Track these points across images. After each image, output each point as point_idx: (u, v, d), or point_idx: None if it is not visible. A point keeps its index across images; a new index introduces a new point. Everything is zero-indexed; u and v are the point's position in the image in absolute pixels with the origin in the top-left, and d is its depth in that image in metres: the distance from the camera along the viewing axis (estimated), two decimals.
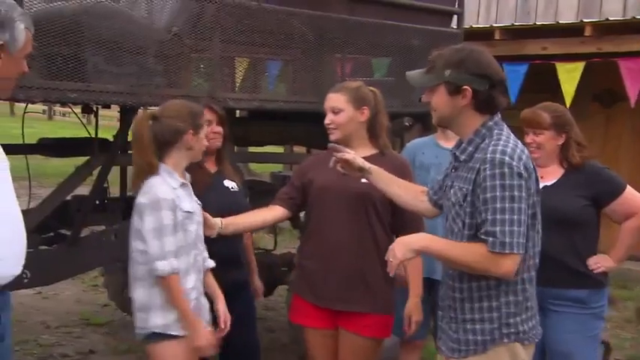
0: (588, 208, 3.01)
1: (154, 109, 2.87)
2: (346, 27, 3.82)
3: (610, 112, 7.74)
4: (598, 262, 3.00)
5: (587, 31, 6.69)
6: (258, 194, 3.38)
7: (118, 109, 3.86)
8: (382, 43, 4.03)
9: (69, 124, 15.81)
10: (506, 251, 2.11)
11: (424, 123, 4.22)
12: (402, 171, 2.82)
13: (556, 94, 6.45)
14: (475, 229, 2.19)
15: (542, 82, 6.69)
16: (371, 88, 2.91)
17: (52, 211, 3.38)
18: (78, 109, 4.19)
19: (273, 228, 5.38)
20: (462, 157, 2.28)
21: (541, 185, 2.97)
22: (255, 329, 3.28)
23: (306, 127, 4.08)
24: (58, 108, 22.62)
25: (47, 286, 4.59)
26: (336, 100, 2.82)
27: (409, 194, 2.60)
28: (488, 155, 2.17)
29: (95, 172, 3.50)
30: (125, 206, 4.14)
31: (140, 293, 2.68)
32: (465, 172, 2.26)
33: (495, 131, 2.26)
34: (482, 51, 2.30)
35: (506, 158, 2.15)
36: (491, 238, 2.12)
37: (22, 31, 2.05)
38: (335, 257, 2.78)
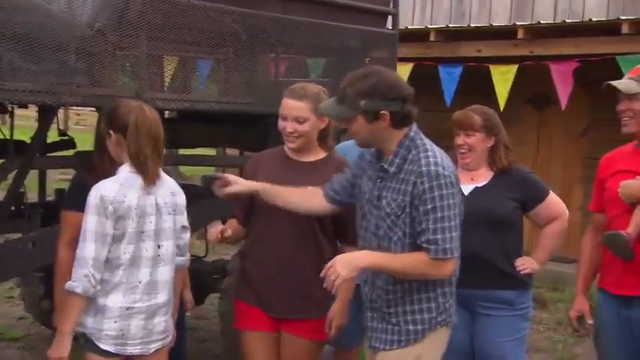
0: (517, 210, 3.13)
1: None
2: (280, 26, 3.79)
3: (542, 115, 7.99)
4: (524, 264, 3.11)
5: (520, 34, 6.89)
6: (188, 198, 3.30)
7: (36, 109, 3.72)
8: (317, 43, 4.02)
9: None
10: (448, 256, 2.38)
11: None
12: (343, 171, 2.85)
13: (490, 96, 6.62)
14: (414, 237, 2.41)
15: (476, 85, 6.85)
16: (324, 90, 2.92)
17: None
18: None
19: (203, 234, 5.30)
20: (392, 170, 2.45)
21: (472, 187, 3.09)
22: (184, 346, 3.23)
23: (240, 128, 4.04)
24: None
25: None
26: (300, 109, 2.79)
27: (299, 197, 2.73)
28: (423, 168, 2.38)
29: (11, 177, 3.35)
30: (44, 212, 3.99)
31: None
32: (395, 183, 2.45)
33: (418, 141, 2.46)
34: (388, 72, 2.52)
35: (440, 169, 2.38)
36: (433, 246, 2.36)
37: None
38: (279, 266, 2.81)
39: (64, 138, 4.59)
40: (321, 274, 2.35)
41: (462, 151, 3.10)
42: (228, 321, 3.62)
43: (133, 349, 2.63)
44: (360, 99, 2.39)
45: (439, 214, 2.36)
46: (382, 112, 2.39)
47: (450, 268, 2.42)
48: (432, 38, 7.43)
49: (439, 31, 7.47)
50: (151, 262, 2.64)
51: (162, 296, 2.69)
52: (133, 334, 2.61)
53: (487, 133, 3.09)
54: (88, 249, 2.52)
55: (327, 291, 2.79)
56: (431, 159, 2.40)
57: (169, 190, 2.71)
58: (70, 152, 4.33)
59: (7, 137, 3.67)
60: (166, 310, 2.72)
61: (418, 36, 7.45)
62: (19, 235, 3.61)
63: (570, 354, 5.27)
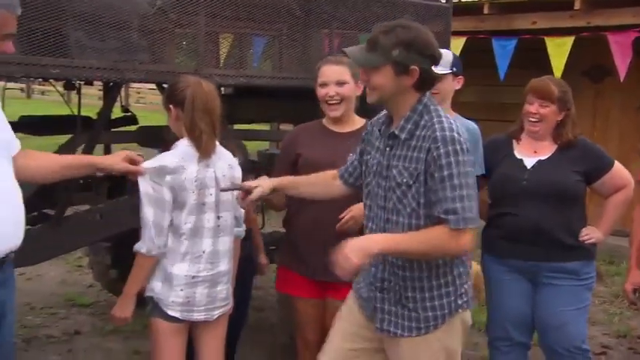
0: (581, 184, 3.09)
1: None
2: (333, 1, 3.79)
3: (599, 88, 7.77)
4: (589, 234, 3.09)
5: (577, 5, 6.67)
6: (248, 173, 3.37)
7: (100, 87, 3.82)
8: (370, 18, 4.00)
9: (48, 103, 15.65)
10: (469, 226, 2.17)
11: None
12: None
13: (545, 69, 6.45)
14: (429, 208, 2.23)
15: (530, 58, 6.69)
16: None
17: (35, 190, 3.36)
18: (60, 87, 4.16)
19: (260, 206, 5.39)
20: (403, 136, 2.28)
21: (535, 159, 3.05)
22: (247, 305, 3.32)
23: (294, 103, 4.07)
24: (36, 87, 22.34)
25: (31, 267, 4.57)
26: (341, 72, 2.83)
27: (319, 186, 2.65)
28: (438, 133, 2.20)
29: (79, 151, 3.47)
30: (110, 185, 4.13)
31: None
32: (406, 150, 2.27)
33: (431, 107, 2.30)
34: (425, 29, 2.33)
35: (455, 135, 2.20)
36: (452, 216, 2.16)
37: None
38: (321, 231, 2.83)
39: (127, 114, 4.72)
40: (332, 260, 2.19)
41: (533, 119, 3.07)
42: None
43: (198, 316, 2.72)
44: (394, 48, 2.20)
45: (457, 181, 2.16)
46: (413, 66, 2.22)
47: (470, 239, 2.21)
48: (485, 11, 7.26)
49: (493, 4, 7.30)
50: (213, 233, 2.71)
51: (224, 265, 2.77)
52: (198, 301, 2.70)
53: (560, 107, 3.06)
54: (148, 212, 2.62)
55: None
56: (445, 124, 2.22)
57: (227, 162, 2.77)
58: (133, 128, 4.45)
59: (75, 113, 3.78)
60: (227, 278, 2.80)
61: (471, 9, 7.30)
62: (88, 207, 3.72)
63: (627, 327, 5.18)
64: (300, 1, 3.67)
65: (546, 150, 3.11)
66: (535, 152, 3.12)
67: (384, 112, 2.44)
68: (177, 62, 3.69)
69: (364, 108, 3.00)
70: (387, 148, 2.33)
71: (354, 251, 2.13)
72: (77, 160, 2.62)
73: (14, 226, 2.16)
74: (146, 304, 2.75)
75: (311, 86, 3.84)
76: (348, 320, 2.53)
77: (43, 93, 22.17)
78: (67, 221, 3.39)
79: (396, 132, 2.29)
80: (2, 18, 2.04)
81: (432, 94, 3.26)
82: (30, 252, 3.19)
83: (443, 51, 3.41)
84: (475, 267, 5.05)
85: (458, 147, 2.18)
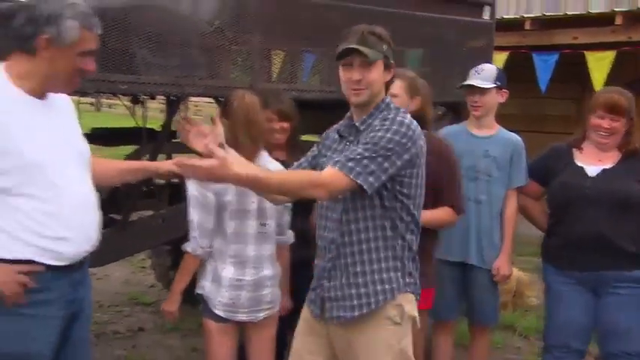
0: None
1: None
2: (381, 18, 3.78)
3: None
4: None
5: (618, 20, 6.52)
6: None
7: (162, 100, 3.89)
8: (417, 35, 3.98)
9: (115, 115, 16.01)
10: (350, 175, 2.09)
11: (456, 112, 4.18)
12: (442, 151, 2.86)
13: (586, 83, 6.32)
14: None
15: (571, 72, 6.56)
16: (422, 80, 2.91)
17: (104, 196, 3.44)
18: (126, 100, 4.25)
19: None
20: (362, 127, 2.25)
21: (599, 168, 2.94)
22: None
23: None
24: (104, 100, 22.88)
25: (99, 268, 4.67)
26: (394, 86, 2.79)
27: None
28: (390, 116, 2.20)
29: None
30: (171, 192, 4.19)
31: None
32: (357, 138, 2.25)
33: (392, 105, 2.28)
34: None
35: (406, 120, 2.19)
36: (342, 159, 2.13)
37: (71, 28, 2.05)
38: None
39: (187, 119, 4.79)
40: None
41: (604, 133, 2.96)
42: None
43: (242, 317, 2.75)
44: (383, 43, 2.21)
45: (375, 147, 2.11)
46: (392, 62, 2.24)
47: (336, 187, 2.11)
48: (527, 27, 7.17)
49: (535, 20, 7.20)
50: (256, 239, 2.74)
51: (268, 270, 2.78)
52: (242, 303, 2.73)
53: (628, 118, 2.96)
54: (193, 214, 2.69)
55: (423, 261, 2.84)
56: (401, 114, 2.22)
57: None
58: None
59: (141, 126, 3.86)
60: (272, 282, 2.81)
61: (513, 25, 7.20)
62: (151, 212, 3.79)
63: None
64: (350, 20, 3.67)
65: (611, 159, 3.00)
66: (600, 161, 3.01)
67: (341, 121, 2.42)
68: (232, 77, 3.74)
69: None
70: (346, 143, 2.31)
71: (220, 167, 1.98)
72: (131, 164, 2.69)
73: (94, 230, 2.23)
74: (199, 303, 2.80)
75: None
76: (304, 333, 2.46)
77: (110, 106, 22.68)
78: (132, 226, 3.46)
79: (357, 124, 2.28)
80: (82, 36, 2.09)
81: (475, 107, 3.27)
82: (99, 254, 3.28)
83: (487, 65, 3.40)
84: (515, 273, 4.96)
85: (400, 128, 2.15)
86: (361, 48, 2.17)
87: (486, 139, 3.31)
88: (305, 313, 2.46)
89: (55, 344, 2.16)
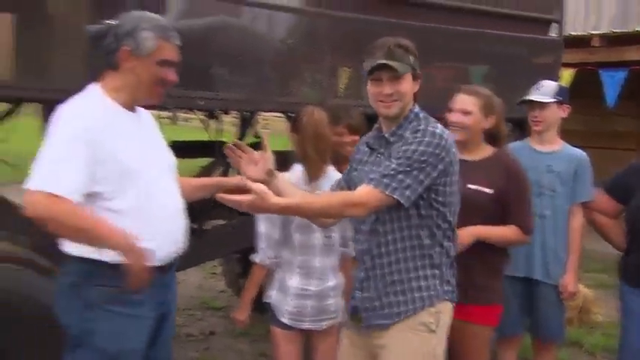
0: None
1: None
2: (449, 37, 3.75)
3: None
4: None
5: None
6: None
7: (233, 115, 3.96)
8: (486, 52, 3.93)
9: (191, 129, 16.40)
10: (387, 192, 2.07)
11: (522, 128, 4.08)
12: (513, 171, 2.79)
13: None
14: None
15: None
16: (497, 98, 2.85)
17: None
18: (201, 114, 4.34)
19: None
20: (392, 139, 2.22)
21: None
22: None
23: None
24: (180, 114, 23.50)
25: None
26: (467, 102, 2.77)
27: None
28: (421, 127, 2.15)
29: (216, 173, 3.61)
30: None
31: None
32: (389, 151, 2.22)
33: (421, 114, 2.23)
34: None
35: (438, 130, 2.15)
36: (377, 177, 2.10)
37: (147, 39, 2.13)
38: (460, 256, 2.71)
39: (258, 140, 4.87)
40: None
41: None
42: None
43: (307, 325, 2.76)
44: (410, 55, 2.17)
45: (408, 161, 2.08)
46: (419, 72, 2.20)
47: (369, 206, 2.08)
48: (594, 44, 6.96)
49: (602, 37, 6.99)
50: (322, 250, 2.74)
51: (332, 281, 2.78)
52: (307, 312, 2.74)
53: None
54: (261, 226, 2.73)
55: (489, 278, 2.78)
56: (432, 124, 2.17)
57: None
58: None
59: (215, 139, 3.94)
60: (336, 292, 2.81)
61: (581, 42, 7.01)
62: (222, 222, 3.84)
63: None
64: (416, 39, 3.65)
65: None
66: None
67: (369, 133, 2.38)
68: (303, 94, 3.78)
69: None
70: (377, 155, 2.27)
71: (257, 206, 2.03)
72: (205, 181, 2.72)
73: (183, 236, 2.30)
74: (268, 310, 2.83)
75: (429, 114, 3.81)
76: (345, 344, 2.43)
77: (186, 120, 23.28)
78: (207, 234, 3.53)
79: (386, 135, 2.24)
80: (159, 46, 2.16)
81: (535, 122, 3.19)
82: (180, 259, 3.37)
83: (546, 82, 3.33)
84: (582, 290, 4.78)
85: (432, 139, 2.11)
86: (390, 62, 2.14)
87: (549, 155, 3.24)
88: (345, 324, 2.46)
89: (146, 343, 2.23)
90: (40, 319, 2.41)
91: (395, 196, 2.08)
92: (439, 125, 2.20)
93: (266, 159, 2.36)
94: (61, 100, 2.81)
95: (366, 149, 2.36)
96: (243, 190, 2.43)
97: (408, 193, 2.09)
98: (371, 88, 2.22)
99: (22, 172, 3.75)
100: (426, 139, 2.12)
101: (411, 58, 2.18)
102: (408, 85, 2.19)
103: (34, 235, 2.80)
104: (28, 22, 2.56)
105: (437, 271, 2.23)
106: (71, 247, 2.13)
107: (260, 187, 2.03)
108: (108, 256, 2.08)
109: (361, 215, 2.17)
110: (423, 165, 2.10)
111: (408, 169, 2.09)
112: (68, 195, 1.98)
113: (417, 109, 2.25)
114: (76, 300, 2.12)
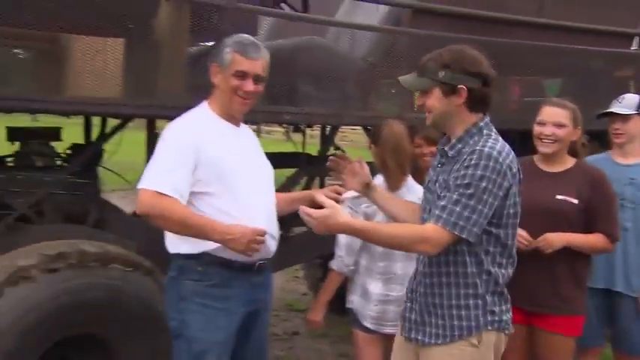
0: None
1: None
2: (525, 51, 3.65)
3: None
4: None
5: None
6: None
7: (316, 127, 3.99)
8: (560, 65, 3.80)
9: (273, 140, 16.69)
10: (452, 230, 1.95)
11: (601, 140, 3.91)
12: (597, 181, 2.71)
13: None
14: None
15: None
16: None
17: None
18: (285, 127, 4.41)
19: None
20: (450, 153, 2.08)
21: None
22: None
23: None
24: (264, 127, 24.01)
25: None
26: (561, 115, 2.68)
27: (407, 212, 2.32)
28: (477, 147, 1.98)
29: (301, 183, 3.64)
30: None
31: None
32: (452, 166, 2.06)
33: (485, 131, 2.06)
34: (472, 49, 2.10)
35: (494, 152, 1.96)
36: (444, 215, 1.96)
37: (226, 52, 2.23)
38: (531, 265, 2.64)
39: (338, 151, 4.89)
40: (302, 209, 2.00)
41: None
42: None
43: (389, 330, 2.71)
44: (440, 70, 2.03)
45: (469, 191, 1.93)
46: (460, 86, 2.02)
47: (439, 243, 1.96)
48: None
49: None
50: (404, 256, 2.69)
51: None
52: (389, 317, 2.70)
53: None
54: (341, 236, 2.71)
55: (574, 288, 2.68)
56: (489, 143, 1.99)
57: (416, 196, 2.69)
58: None
59: (299, 151, 3.99)
60: None
61: None
62: (305, 229, 3.89)
63: None
64: (496, 53, 3.57)
65: None
66: None
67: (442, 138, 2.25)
68: (381, 108, 3.77)
69: None
70: (439, 166, 2.15)
71: (331, 219, 1.96)
72: (298, 195, 2.74)
73: (275, 239, 2.35)
74: (349, 313, 2.82)
75: (503, 127, 3.70)
76: (395, 348, 2.32)
77: (268, 132, 23.72)
78: (291, 240, 3.56)
79: (446, 149, 2.10)
80: (233, 58, 2.23)
81: (617, 135, 3.05)
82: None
83: (628, 94, 3.21)
84: None
85: (491, 164, 1.94)
86: (408, 82, 2.13)
87: (632, 167, 3.10)
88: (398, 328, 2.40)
89: (234, 336, 2.29)
90: (142, 314, 2.50)
91: (464, 236, 1.97)
92: (499, 144, 2.03)
93: (365, 170, 2.34)
94: (164, 116, 2.95)
95: (438, 155, 2.26)
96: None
97: (475, 230, 1.97)
98: None
99: (127, 180, 3.93)
100: (482, 162, 1.96)
101: (442, 73, 2.04)
102: (435, 99, 2.07)
103: (140, 239, 2.94)
104: (137, 47, 2.68)
105: (480, 302, 2.07)
106: (170, 245, 2.24)
107: (331, 203, 2.01)
108: (201, 250, 2.17)
109: (430, 253, 2.05)
110: (484, 195, 1.96)
111: (471, 201, 1.95)
112: (171, 193, 2.09)
113: (482, 123, 2.09)
114: (174, 293, 2.22)
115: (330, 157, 2.45)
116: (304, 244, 3.61)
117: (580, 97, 3.85)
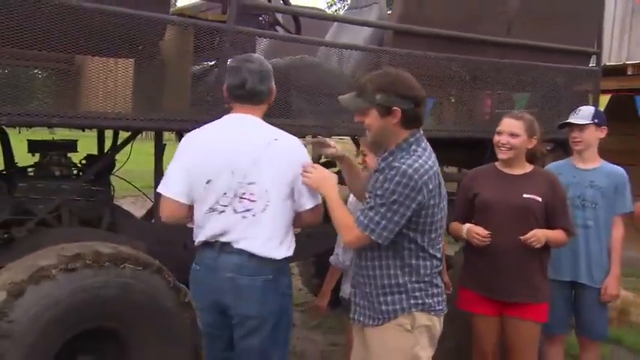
0: None
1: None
2: (498, 68, 3.68)
3: None
4: None
5: None
6: None
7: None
8: (527, 81, 3.83)
9: None
10: (364, 232, 2.09)
11: (564, 148, 3.94)
12: (553, 183, 2.76)
13: None
14: None
15: None
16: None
17: None
18: None
19: None
20: (382, 165, 2.16)
21: None
22: None
23: (459, 150, 3.99)
24: None
25: None
26: (516, 126, 2.75)
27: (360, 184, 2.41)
28: (396, 164, 2.08)
29: None
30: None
31: None
32: (378, 175, 2.15)
33: (413, 146, 2.13)
34: (406, 74, 2.15)
35: (410, 170, 2.05)
36: (360, 217, 2.10)
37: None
38: (503, 258, 2.70)
39: (328, 160, 4.88)
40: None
41: None
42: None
43: None
44: (377, 93, 2.08)
45: (381, 201, 2.05)
46: (394, 108, 2.07)
47: (353, 240, 2.13)
48: (629, 72, 6.67)
49: (636, 66, 6.69)
50: None
51: None
52: None
53: None
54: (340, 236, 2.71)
55: (541, 278, 2.72)
56: (410, 160, 2.07)
57: None
58: (334, 170, 4.58)
59: None
60: None
61: (615, 71, 6.73)
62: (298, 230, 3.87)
63: None
64: (470, 69, 3.61)
65: None
66: None
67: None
68: None
69: None
70: (375, 172, 2.21)
71: (323, 177, 2.19)
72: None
73: None
74: (340, 305, 2.83)
75: (475, 136, 3.73)
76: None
77: None
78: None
79: (380, 162, 2.19)
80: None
81: (575, 143, 3.09)
82: None
83: (584, 107, 3.28)
84: (622, 293, 4.54)
85: (404, 180, 2.04)
86: (348, 102, 2.18)
87: (591, 172, 3.14)
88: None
89: None
90: (152, 309, 2.49)
91: (373, 237, 2.09)
92: (420, 160, 2.09)
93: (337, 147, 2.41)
94: (170, 128, 2.94)
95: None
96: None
97: (385, 234, 2.08)
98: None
99: (137, 187, 3.92)
100: (396, 178, 2.05)
101: (379, 96, 2.09)
102: (373, 119, 2.12)
103: (148, 240, 2.94)
104: (145, 67, 2.68)
105: (402, 289, 2.15)
106: (273, 251, 2.22)
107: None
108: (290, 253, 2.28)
109: (348, 244, 2.25)
110: (394, 206, 2.05)
111: (383, 210, 2.06)
112: (173, 195, 2.22)
113: (412, 139, 2.14)
114: (274, 293, 2.23)
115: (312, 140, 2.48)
116: (300, 244, 3.59)
117: (545, 109, 3.90)
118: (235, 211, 2.20)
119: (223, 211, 2.20)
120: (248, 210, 2.19)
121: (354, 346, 2.37)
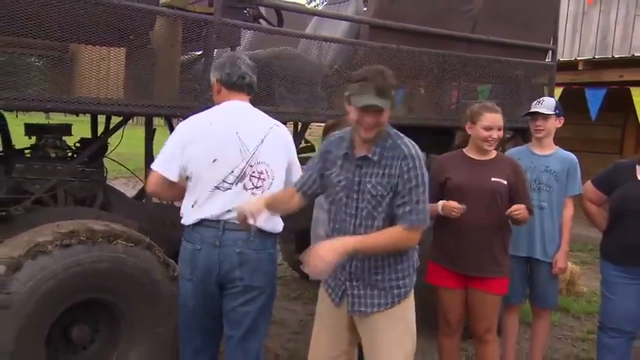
0: None
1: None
2: (464, 61, 3.67)
3: None
4: None
5: None
6: None
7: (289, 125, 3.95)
8: (491, 74, 3.84)
9: None
10: (423, 225, 2.05)
11: (523, 136, 3.97)
12: (515, 168, 2.76)
13: (629, 113, 5.84)
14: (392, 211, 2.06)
15: (617, 103, 6.10)
16: None
17: None
18: None
19: None
20: (375, 158, 2.05)
21: None
22: None
23: (428, 137, 3.99)
24: None
25: None
26: (500, 119, 2.72)
27: (283, 204, 2.23)
28: (406, 151, 2.03)
29: None
30: None
31: None
32: (377, 169, 2.05)
33: (392, 132, 2.09)
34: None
35: (418, 151, 2.07)
36: (414, 216, 2.03)
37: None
38: (470, 235, 2.70)
39: (307, 144, 4.85)
40: (300, 259, 1.94)
41: None
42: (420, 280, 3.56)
43: None
44: (393, 91, 2.03)
45: (421, 189, 2.03)
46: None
47: (419, 236, 2.07)
48: (580, 67, 6.74)
49: (587, 61, 6.76)
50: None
51: None
52: None
53: None
54: (319, 212, 2.77)
55: (504, 254, 2.72)
56: (407, 142, 2.05)
57: None
58: (312, 154, 4.56)
59: None
60: None
61: (568, 66, 6.81)
62: None
63: None
64: (439, 62, 3.59)
65: None
66: None
67: (336, 135, 2.19)
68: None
69: None
70: (357, 168, 2.09)
71: (326, 252, 1.92)
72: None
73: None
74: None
75: (444, 125, 3.72)
76: (326, 315, 2.26)
77: None
78: None
79: (370, 155, 2.06)
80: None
81: (538, 130, 3.11)
82: None
83: (546, 98, 3.26)
84: (570, 266, 4.63)
85: (419, 163, 2.04)
86: (379, 103, 1.97)
87: (547, 157, 3.16)
88: (325, 296, 2.27)
89: None
90: (143, 282, 2.46)
91: (425, 226, 2.08)
92: (407, 139, 2.09)
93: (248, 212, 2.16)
94: (159, 114, 2.87)
95: (341, 156, 2.14)
96: None
97: (428, 217, 2.09)
98: (355, 114, 2.02)
99: (128, 169, 3.84)
100: (415, 162, 2.04)
101: (394, 93, 2.06)
102: (385, 117, 2.03)
103: (139, 219, 2.88)
104: (136, 55, 2.61)
105: (411, 272, 2.20)
106: (277, 225, 2.27)
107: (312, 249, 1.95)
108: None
109: (412, 246, 2.16)
110: (427, 186, 2.08)
111: (425, 196, 2.06)
112: (164, 171, 2.20)
113: (388, 127, 2.08)
114: (272, 265, 2.27)
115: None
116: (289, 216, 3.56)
117: (506, 99, 3.92)
118: (245, 188, 2.22)
119: (229, 189, 2.20)
120: (257, 187, 2.23)
121: (323, 338, 2.24)
